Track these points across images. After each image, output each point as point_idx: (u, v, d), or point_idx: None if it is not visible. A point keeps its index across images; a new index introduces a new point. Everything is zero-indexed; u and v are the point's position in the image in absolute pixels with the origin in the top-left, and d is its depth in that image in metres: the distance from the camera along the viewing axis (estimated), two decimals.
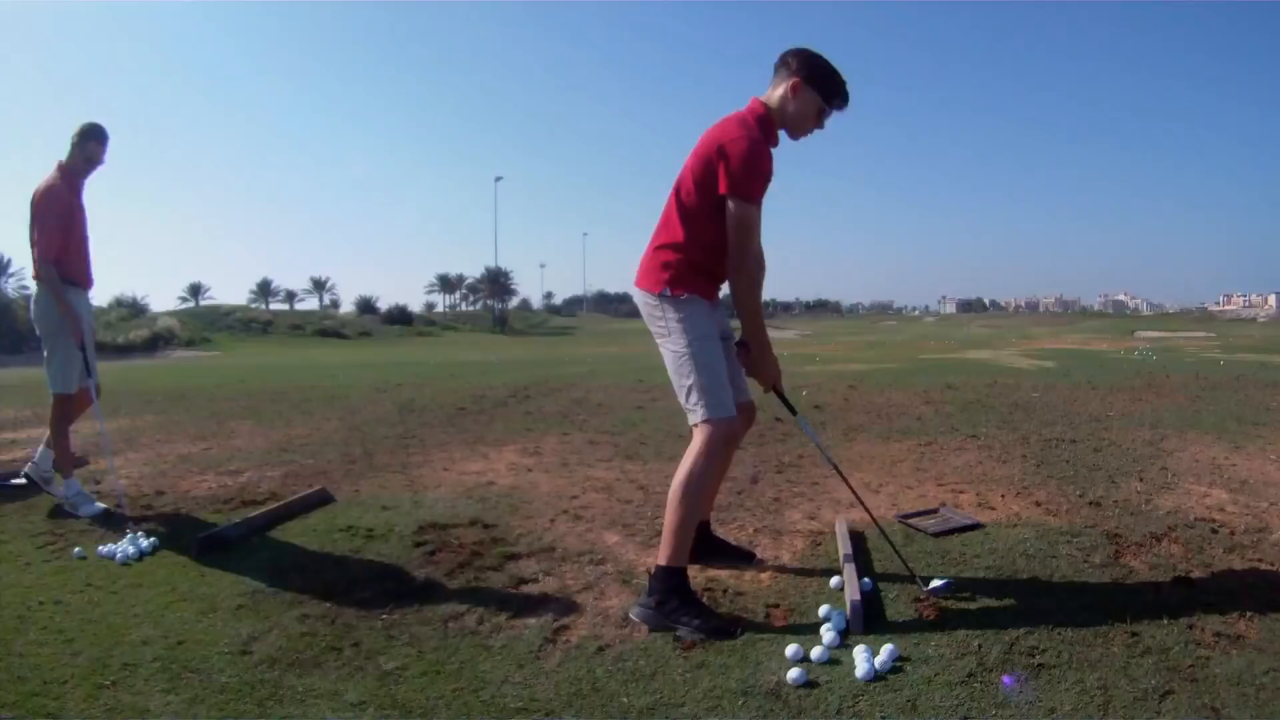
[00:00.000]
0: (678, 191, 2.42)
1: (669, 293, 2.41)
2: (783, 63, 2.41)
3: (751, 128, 2.33)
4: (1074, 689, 1.85)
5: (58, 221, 3.46)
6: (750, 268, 2.36)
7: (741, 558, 2.75)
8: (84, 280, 3.66)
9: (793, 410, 2.60)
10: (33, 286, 3.61)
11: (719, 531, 2.93)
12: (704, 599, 2.38)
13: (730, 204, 2.29)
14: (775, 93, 2.41)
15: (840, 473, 2.71)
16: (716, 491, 2.84)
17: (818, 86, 2.38)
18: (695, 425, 2.37)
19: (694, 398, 2.37)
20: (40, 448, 3.72)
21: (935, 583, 2.37)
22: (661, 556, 2.32)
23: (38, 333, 3.60)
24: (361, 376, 10.93)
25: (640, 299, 2.52)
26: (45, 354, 3.59)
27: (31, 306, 3.63)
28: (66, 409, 3.62)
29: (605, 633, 2.23)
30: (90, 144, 3.54)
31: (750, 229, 2.32)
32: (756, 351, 2.46)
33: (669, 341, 2.43)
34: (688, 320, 2.40)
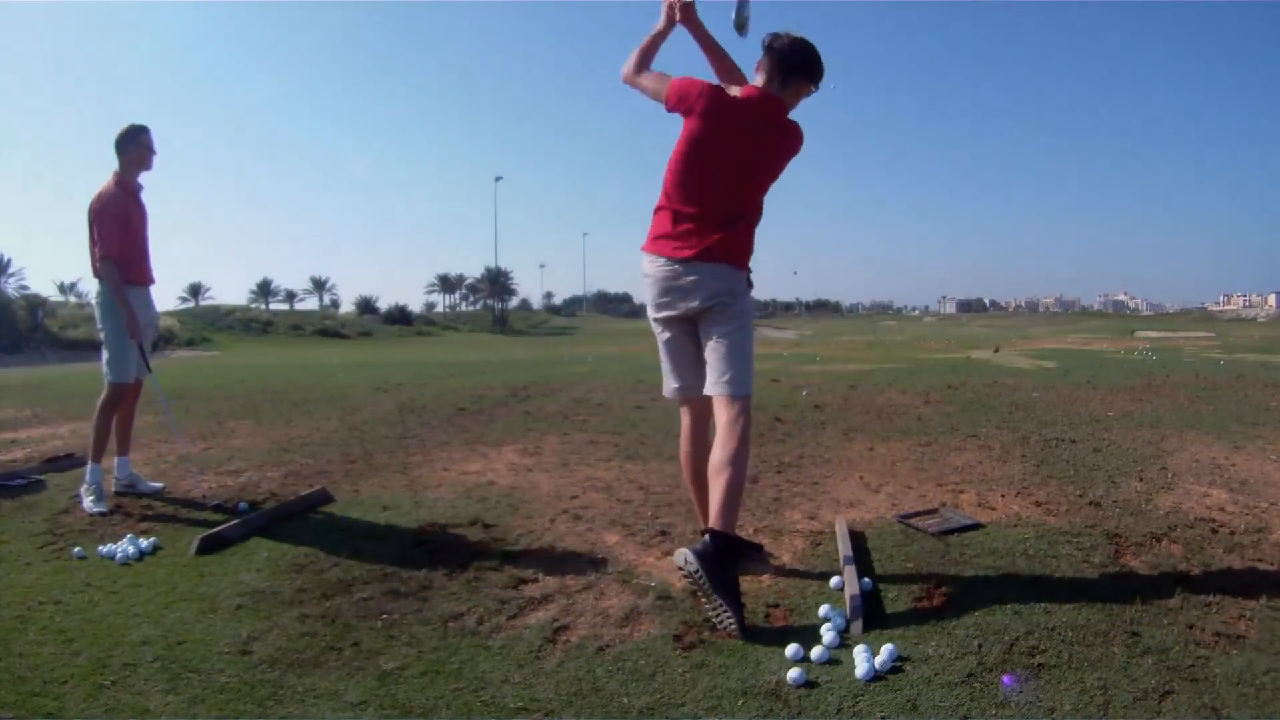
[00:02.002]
0: (758, 173, 2.53)
1: (748, 271, 2.55)
2: (770, 53, 2.51)
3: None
4: (1074, 689, 1.85)
5: (113, 221, 3.57)
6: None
7: (750, 549, 2.60)
8: (143, 279, 3.79)
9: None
10: (93, 287, 3.72)
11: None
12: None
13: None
14: (772, 84, 2.52)
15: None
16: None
17: (797, 76, 2.52)
18: (733, 398, 2.43)
19: (746, 374, 2.46)
20: (115, 459, 3.84)
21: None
22: (722, 522, 2.30)
23: (98, 327, 3.70)
24: (361, 376, 10.93)
25: (728, 273, 2.51)
26: (102, 344, 3.69)
27: (94, 303, 3.74)
28: (120, 397, 3.70)
29: (605, 633, 2.22)
30: (138, 142, 3.63)
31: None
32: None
33: (744, 317, 2.52)
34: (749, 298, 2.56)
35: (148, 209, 3.78)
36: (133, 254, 3.68)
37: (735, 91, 2.51)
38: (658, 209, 2.57)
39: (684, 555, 2.23)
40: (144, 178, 3.73)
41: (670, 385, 2.66)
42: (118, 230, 3.57)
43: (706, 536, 2.28)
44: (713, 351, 2.49)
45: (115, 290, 3.58)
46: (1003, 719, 1.75)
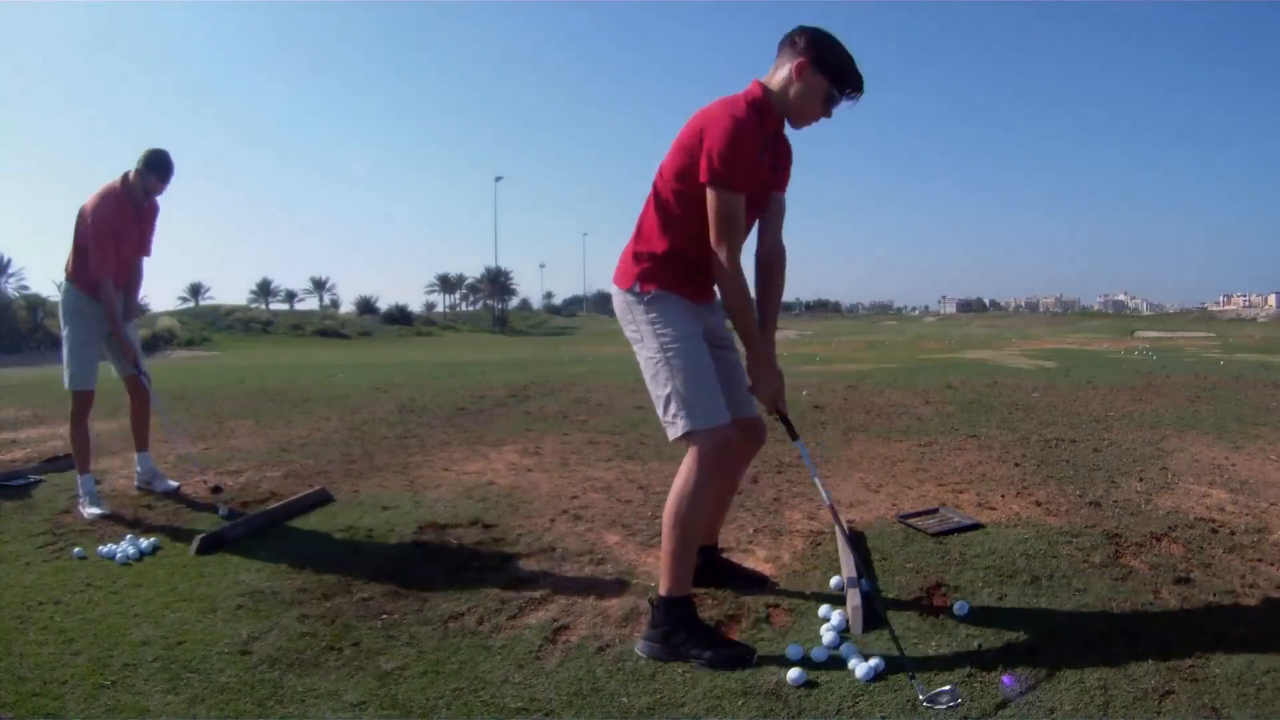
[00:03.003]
0: (657, 180, 2.20)
1: (638, 289, 2.19)
2: (789, 41, 2.14)
3: (739, 111, 2.07)
4: (1074, 689, 1.85)
5: (108, 237, 3.51)
6: (730, 265, 2.08)
7: (753, 582, 2.53)
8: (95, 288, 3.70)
9: (793, 434, 2.26)
10: (49, 290, 3.73)
11: (733, 555, 2.76)
12: (703, 599, 2.38)
13: (709, 193, 2.05)
14: (777, 75, 2.15)
15: (836, 517, 2.30)
16: (721, 511, 2.58)
17: (826, 70, 2.10)
18: (679, 441, 2.13)
19: (672, 408, 2.11)
20: (136, 454, 3.91)
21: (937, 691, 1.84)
22: (662, 587, 2.14)
23: (61, 329, 3.68)
24: (361, 376, 10.93)
25: (616, 299, 2.31)
26: (63, 349, 3.66)
27: (60, 304, 3.71)
28: (85, 404, 3.66)
29: (605, 633, 2.22)
30: (151, 178, 3.58)
31: (729, 221, 2.06)
32: (751, 361, 2.20)
33: (641, 346, 2.20)
34: (661, 319, 2.16)
35: (156, 210, 3.75)
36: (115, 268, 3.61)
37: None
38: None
39: (637, 650, 2.11)
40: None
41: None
42: (111, 247, 3.52)
43: (650, 613, 2.16)
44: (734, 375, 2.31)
45: (111, 310, 3.56)
46: (1003, 719, 1.75)
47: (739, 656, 2.05)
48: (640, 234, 2.25)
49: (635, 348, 2.24)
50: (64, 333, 3.63)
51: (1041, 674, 1.92)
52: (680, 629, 2.09)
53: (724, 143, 2.02)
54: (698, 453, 2.10)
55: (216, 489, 3.72)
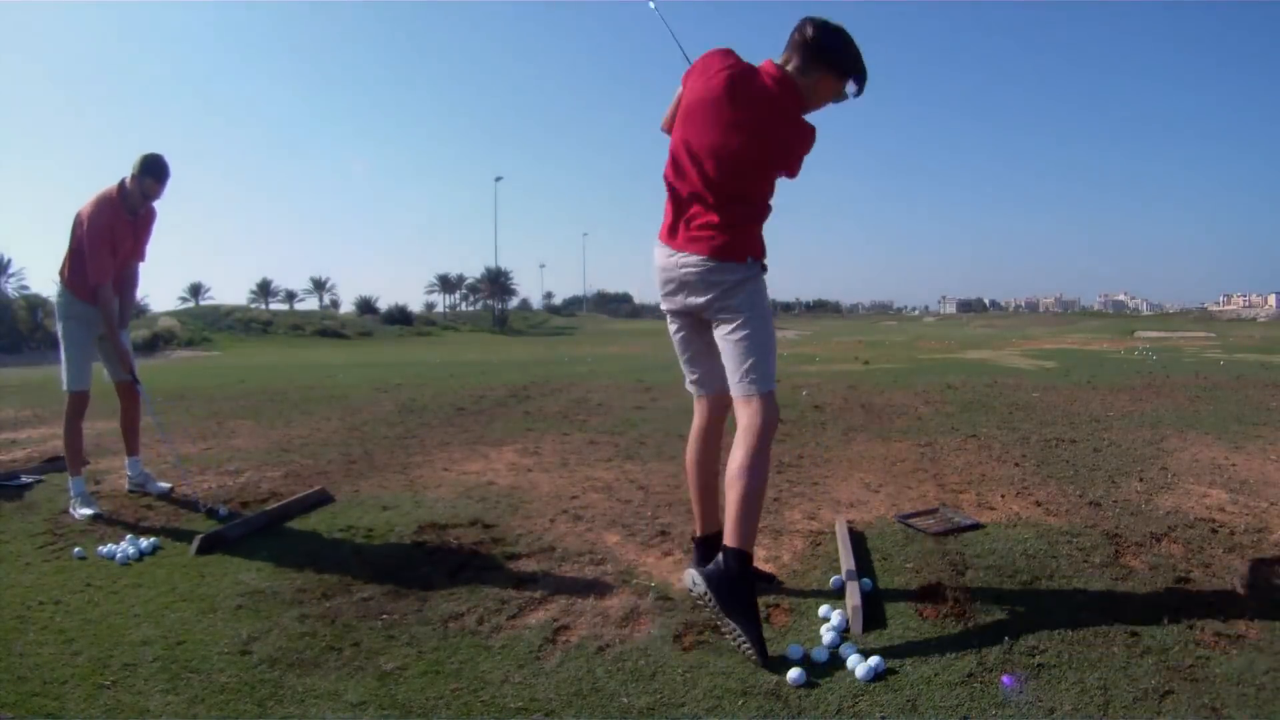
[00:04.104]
0: (746, 144, 2.19)
1: (752, 260, 2.25)
2: (799, 33, 2.23)
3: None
4: (1074, 689, 1.85)
5: (104, 245, 3.51)
6: None
7: (759, 580, 2.46)
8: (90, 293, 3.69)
9: None
10: (49, 290, 3.70)
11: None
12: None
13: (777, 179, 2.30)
14: (791, 63, 2.24)
15: None
16: (717, 495, 2.54)
17: (831, 62, 2.22)
18: (755, 399, 2.20)
19: (762, 370, 2.22)
20: (127, 459, 3.88)
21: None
22: (734, 539, 2.10)
23: (57, 330, 3.67)
24: (361, 376, 10.93)
25: (710, 268, 2.23)
26: (60, 350, 3.65)
27: (56, 310, 3.69)
28: (81, 405, 3.66)
29: (605, 633, 2.22)
30: (148, 181, 3.57)
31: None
32: None
33: (754, 314, 2.23)
34: (764, 288, 2.28)
35: (153, 216, 3.74)
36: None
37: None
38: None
39: (691, 577, 2.11)
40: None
41: (687, 379, 2.50)
42: (108, 253, 3.51)
43: (719, 555, 2.13)
44: (725, 347, 2.29)
45: (108, 315, 3.57)
46: (1003, 719, 1.75)
47: (764, 648, 2.02)
48: (736, 198, 2.25)
49: (738, 317, 2.24)
50: (59, 335, 3.64)
51: (1041, 674, 1.92)
52: (745, 587, 2.08)
53: (807, 143, 2.29)
54: (769, 409, 2.21)
55: (212, 511, 3.52)
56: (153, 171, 3.55)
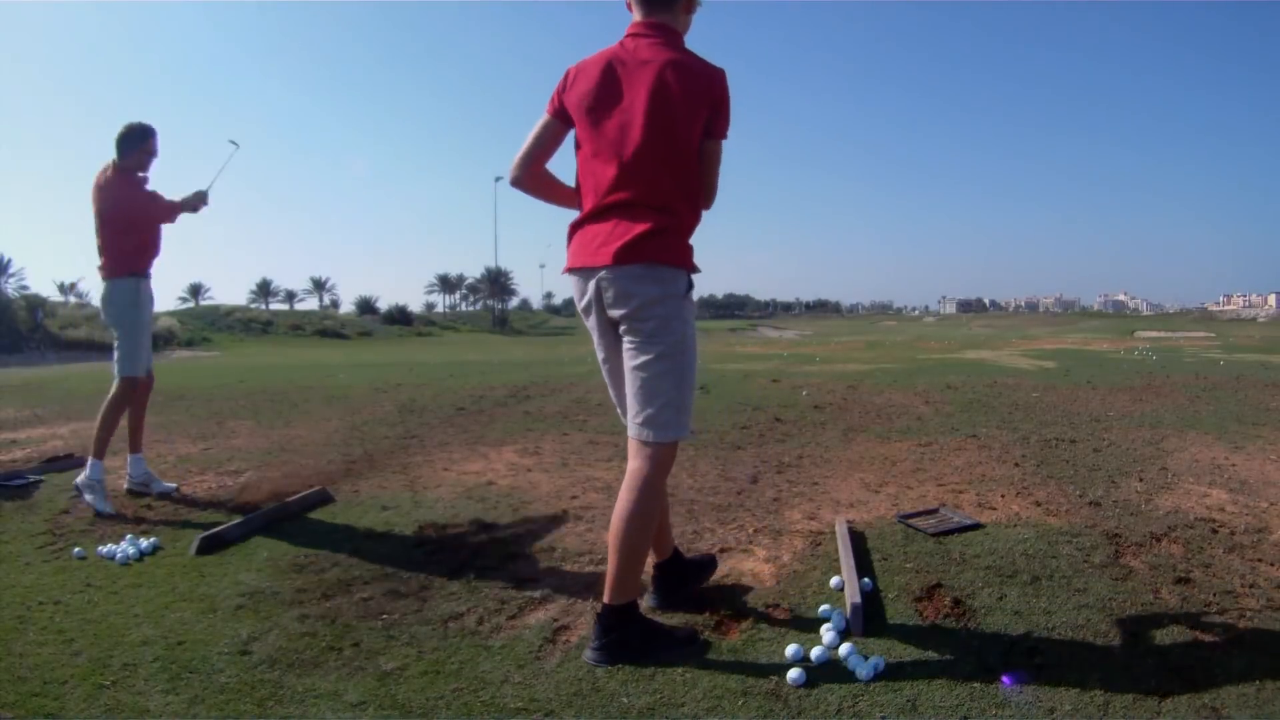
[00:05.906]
0: (660, 132, 1.95)
1: (687, 270, 2.01)
2: None
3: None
4: (1074, 689, 1.85)
5: (140, 227, 3.64)
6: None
7: (703, 566, 2.51)
8: (147, 268, 3.80)
9: None
10: (98, 285, 3.71)
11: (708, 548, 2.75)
12: (703, 599, 2.37)
13: (713, 146, 2.05)
14: (680, 18, 2.10)
15: None
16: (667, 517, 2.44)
17: None
18: (649, 443, 2.03)
19: (670, 412, 2.01)
20: (129, 456, 3.86)
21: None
22: (613, 596, 2.04)
23: (105, 322, 3.73)
24: (361, 376, 10.92)
25: (643, 279, 1.97)
26: (116, 341, 3.70)
27: (101, 301, 3.72)
28: (132, 391, 3.71)
29: None
30: (143, 147, 3.63)
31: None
32: None
33: (664, 335, 1.98)
34: (690, 311, 2.02)
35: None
36: (152, 243, 3.74)
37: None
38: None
39: (584, 658, 2.02)
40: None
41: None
42: (140, 231, 3.63)
43: (596, 621, 2.05)
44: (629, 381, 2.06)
45: (179, 206, 3.71)
46: (1003, 719, 1.75)
47: (692, 637, 2.08)
48: (655, 196, 1.98)
49: (648, 338, 1.98)
50: (120, 327, 3.67)
51: (1041, 674, 1.92)
52: (633, 630, 2.04)
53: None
54: (663, 460, 2.05)
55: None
56: (139, 136, 3.61)
